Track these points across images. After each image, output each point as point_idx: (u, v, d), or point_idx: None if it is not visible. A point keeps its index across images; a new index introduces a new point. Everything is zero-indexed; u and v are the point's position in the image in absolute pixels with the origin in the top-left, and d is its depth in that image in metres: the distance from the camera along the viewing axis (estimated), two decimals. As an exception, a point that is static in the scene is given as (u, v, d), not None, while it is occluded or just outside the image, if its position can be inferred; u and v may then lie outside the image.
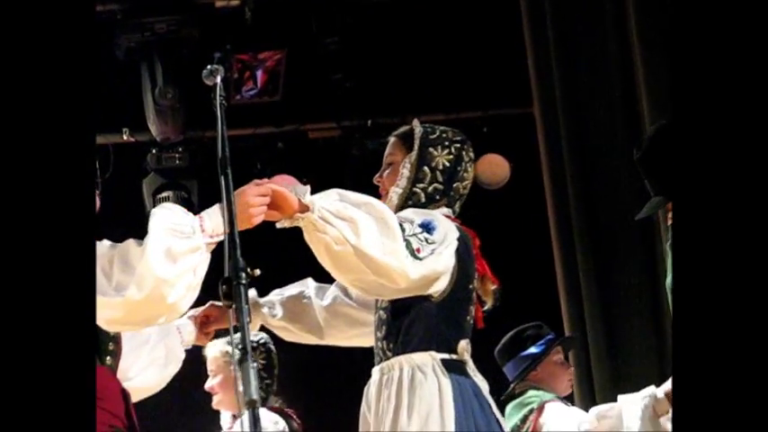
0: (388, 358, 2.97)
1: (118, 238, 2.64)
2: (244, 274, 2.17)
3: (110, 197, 3.63)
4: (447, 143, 3.08)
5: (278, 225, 2.81)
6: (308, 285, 3.31)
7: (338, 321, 3.25)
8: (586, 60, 5.16)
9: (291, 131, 5.94)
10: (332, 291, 3.26)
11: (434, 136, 3.06)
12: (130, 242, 2.57)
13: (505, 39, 5.58)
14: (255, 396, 2.09)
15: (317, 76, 5.84)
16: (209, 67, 2.48)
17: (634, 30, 4.87)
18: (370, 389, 3.02)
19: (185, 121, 5.63)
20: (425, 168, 3.01)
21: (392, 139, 3.07)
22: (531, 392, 4.12)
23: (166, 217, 2.62)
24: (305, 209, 2.67)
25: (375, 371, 3.03)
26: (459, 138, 3.06)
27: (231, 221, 2.27)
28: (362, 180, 3.18)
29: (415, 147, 3.02)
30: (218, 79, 2.46)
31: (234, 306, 2.19)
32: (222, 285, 2.19)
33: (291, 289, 3.29)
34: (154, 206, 5.72)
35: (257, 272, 2.26)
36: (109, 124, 5.77)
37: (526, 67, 5.36)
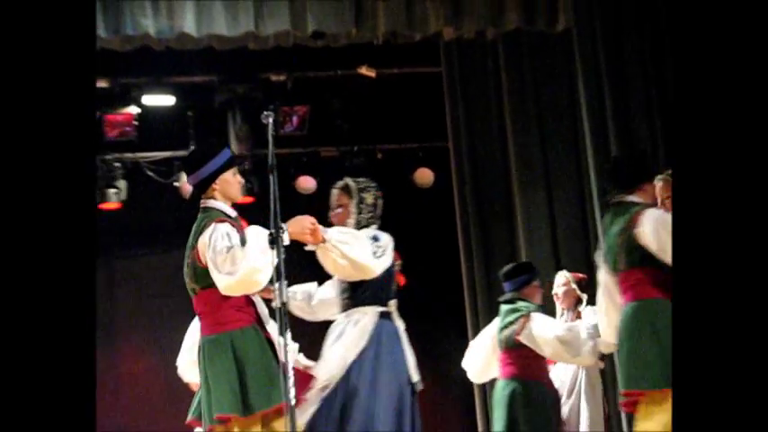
0: (348, 308, 3.93)
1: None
2: (281, 230, 3.10)
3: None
4: (369, 189, 3.98)
5: (307, 248, 3.67)
6: (311, 287, 4.21)
7: (322, 308, 4.16)
8: (480, 120, 6.67)
9: (312, 152, 7.36)
10: (317, 291, 4.18)
11: (362, 186, 3.96)
12: (236, 248, 3.26)
13: (437, 113, 6.91)
14: (285, 299, 3.04)
15: (328, 121, 7.28)
16: (264, 113, 3.25)
17: (507, 109, 6.49)
18: (337, 323, 3.97)
19: (253, 143, 7.00)
20: (362, 206, 3.90)
21: (336, 191, 3.99)
22: (521, 303, 4.90)
23: (256, 234, 3.28)
24: (324, 240, 3.54)
25: (343, 315, 3.94)
26: (373, 185, 3.99)
27: (275, 201, 3.08)
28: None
29: (354, 195, 3.93)
30: (270, 120, 3.25)
31: (276, 249, 3.10)
32: (269, 236, 3.08)
33: (303, 287, 4.21)
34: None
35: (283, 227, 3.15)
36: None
37: (445, 120, 6.73)
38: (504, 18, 6.03)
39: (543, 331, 4.71)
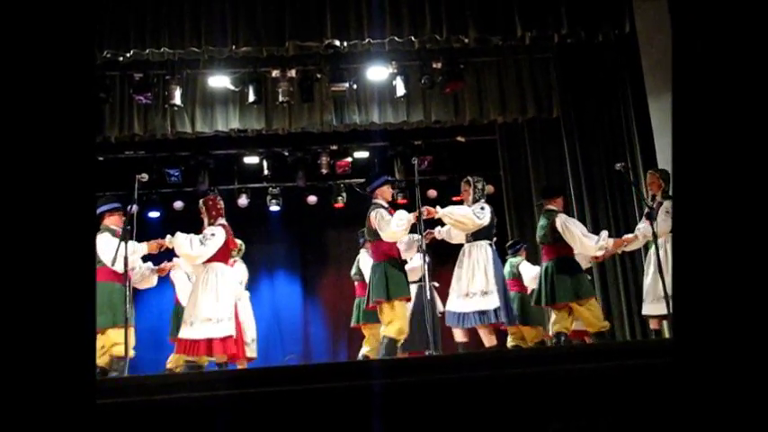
0: (470, 241, 6.33)
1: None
2: (421, 214, 5.87)
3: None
4: (479, 181, 6.51)
5: (435, 217, 5.99)
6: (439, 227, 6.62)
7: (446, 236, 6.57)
8: (516, 160, 11.33)
9: (434, 178, 11.13)
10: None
11: (475, 179, 6.51)
12: (387, 220, 5.60)
13: (494, 158, 11.48)
14: (422, 242, 6.24)
15: (441, 163, 10.93)
16: (413, 159, 6.55)
17: (529, 157, 12.06)
18: (465, 251, 6.25)
19: (406, 173, 10.94)
20: (475, 191, 6.45)
21: (463, 183, 6.50)
22: (519, 257, 8.20)
23: (400, 214, 5.77)
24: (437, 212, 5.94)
25: (467, 244, 6.31)
26: (480, 178, 6.53)
27: (419, 200, 5.81)
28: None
29: (472, 185, 6.48)
30: (416, 162, 6.36)
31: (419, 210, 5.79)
32: (415, 215, 5.86)
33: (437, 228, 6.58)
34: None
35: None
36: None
37: (498, 161, 11.32)
38: (526, 110, 10.31)
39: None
